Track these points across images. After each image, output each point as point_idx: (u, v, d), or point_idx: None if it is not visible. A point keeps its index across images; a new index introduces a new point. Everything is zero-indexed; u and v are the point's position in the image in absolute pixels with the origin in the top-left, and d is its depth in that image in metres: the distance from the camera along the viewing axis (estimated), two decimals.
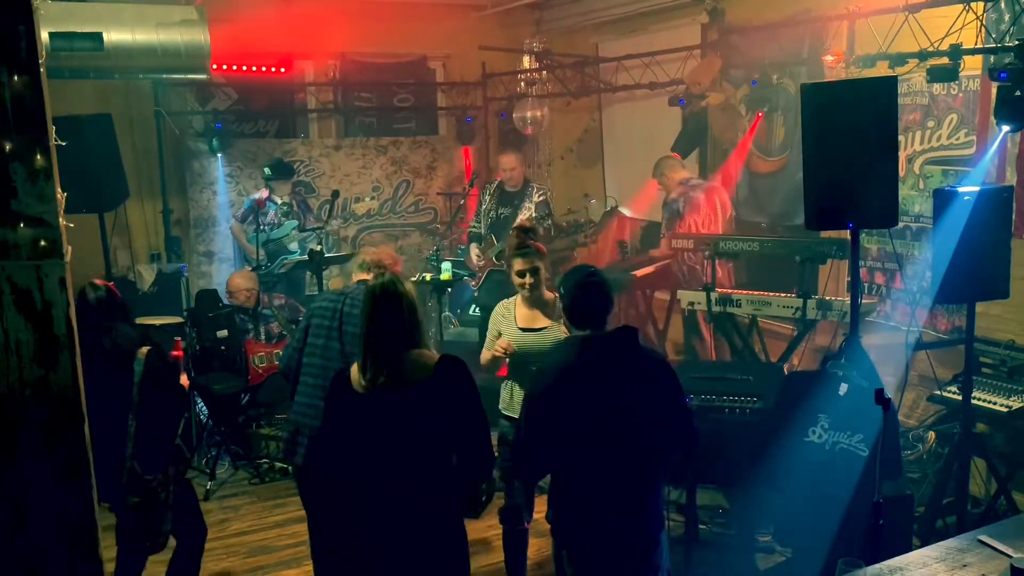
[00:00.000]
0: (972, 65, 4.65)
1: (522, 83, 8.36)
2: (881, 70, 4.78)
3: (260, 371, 5.97)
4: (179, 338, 4.63)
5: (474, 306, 7.35)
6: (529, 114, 7.95)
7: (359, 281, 3.90)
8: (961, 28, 4.41)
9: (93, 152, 5.45)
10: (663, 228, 6.30)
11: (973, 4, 4.40)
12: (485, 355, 3.98)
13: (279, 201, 7.20)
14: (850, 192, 3.77)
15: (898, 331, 5.00)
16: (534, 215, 6.45)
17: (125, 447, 3.51)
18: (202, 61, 5.68)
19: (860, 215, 3.84)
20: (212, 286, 7.20)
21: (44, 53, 2.11)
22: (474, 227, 6.99)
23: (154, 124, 7.52)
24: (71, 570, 2.16)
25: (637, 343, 2.98)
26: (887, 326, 5.37)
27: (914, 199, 5.29)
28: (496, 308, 4.04)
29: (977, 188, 3.93)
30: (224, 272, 7.64)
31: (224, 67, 7.11)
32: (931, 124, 5.18)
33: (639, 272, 6.45)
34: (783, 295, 5.05)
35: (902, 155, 5.14)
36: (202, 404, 6.00)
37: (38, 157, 2.02)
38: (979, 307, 4.19)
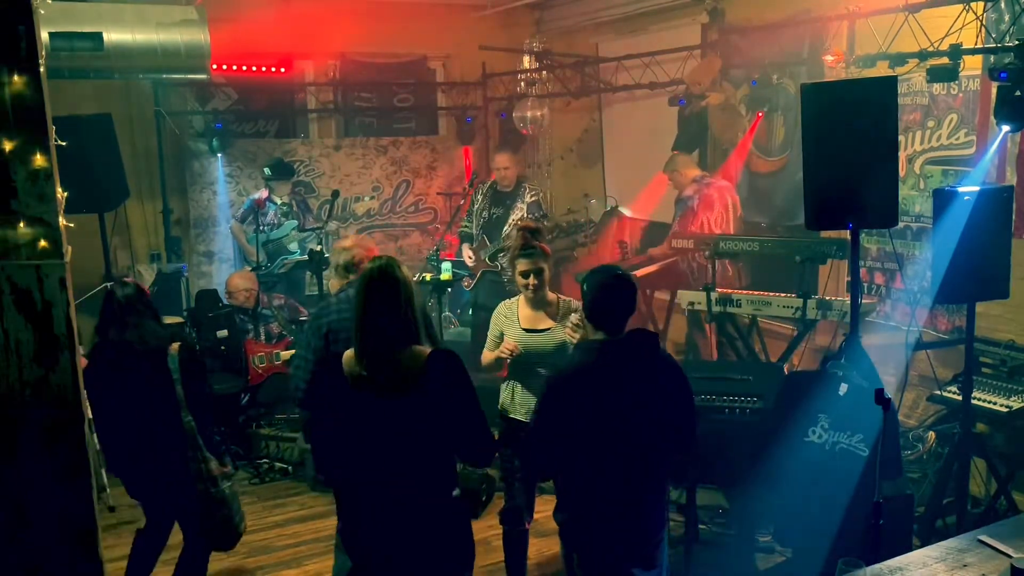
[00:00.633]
0: (972, 65, 4.65)
1: (522, 83, 8.36)
2: (881, 70, 4.78)
3: (260, 371, 5.98)
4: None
5: (471, 308, 7.34)
6: (529, 114, 7.95)
7: (344, 287, 3.82)
8: (961, 28, 4.41)
9: (93, 152, 5.45)
10: (674, 225, 6.29)
11: (973, 4, 4.40)
12: (487, 356, 3.96)
13: (279, 201, 7.20)
14: (850, 192, 3.77)
15: (898, 331, 5.00)
16: (525, 215, 6.43)
17: (185, 444, 3.60)
18: (202, 61, 5.68)
19: (860, 215, 3.84)
20: (212, 286, 7.21)
21: (44, 53, 2.11)
22: (465, 227, 6.97)
23: (154, 124, 7.52)
24: (71, 570, 2.16)
25: (656, 348, 3.02)
26: (887, 326, 5.37)
27: (914, 199, 5.29)
28: (498, 308, 4.03)
29: (977, 188, 3.93)
30: (224, 272, 7.64)
31: (224, 67, 7.11)
32: (931, 124, 5.18)
33: (640, 272, 6.44)
34: (783, 295, 5.05)
35: (902, 155, 5.14)
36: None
37: (38, 157, 2.02)
38: (979, 307, 4.19)
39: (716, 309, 5.09)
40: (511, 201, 6.63)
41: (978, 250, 3.86)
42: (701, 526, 4.45)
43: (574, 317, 3.74)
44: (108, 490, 4.96)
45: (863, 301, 4.51)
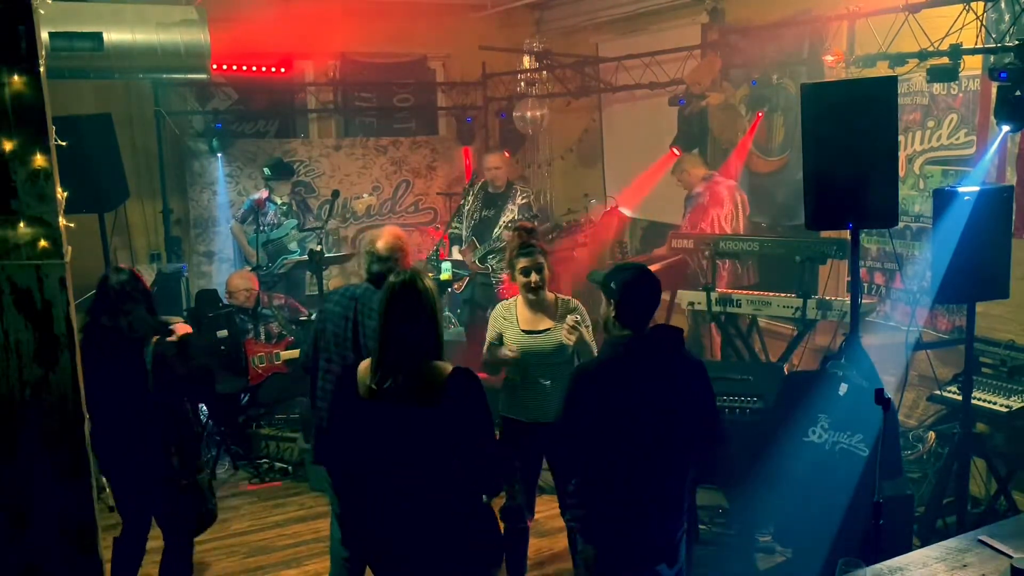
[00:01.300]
0: (972, 65, 4.65)
1: (522, 83, 8.35)
2: (881, 70, 4.78)
3: (260, 371, 5.98)
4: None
5: (467, 307, 7.32)
6: (529, 114, 7.95)
7: (370, 280, 3.75)
8: (961, 28, 4.40)
9: (93, 152, 5.44)
10: (684, 220, 6.28)
11: (973, 4, 4.40)
12: (487, 357, 3.96)
13: (279, 201, 7.20)
14: (850, 192, 3.77)
15: (898, 331, 5.00)
16: (516, 218, 6.42)
17: (159, 435, 3.59)
18: (202, 61, 5.68)
19: (860, 215, 3.84)
20: (212, 286, 7.21)
21: (44, 53, 2.11)
22: (455, 228, 6.95)
23: (154, 124, 7.51)
24: (71, 570, 2.16)
25: (681, 343, 3.03)
26: (887, 326, 5.37)
27: (914, 199, 5.29)
28: (496, 309, 4.03)
29: (977, 188, 3.93)
30: (224, 272, 7.64)
31: (224, 67, 7.10)
32: (931, 124, 5.18)
33: None
34: (783, 295, 5.05)
35: (902, 155, 5.14)
36: (202, 404, 5.99)
37: (38, 157, 2.02)
38: (979, 307, 4.19)
39: (716, 309, 5.09)
40: (502, 203, 6.63)
41: (978, 250, 3.86)
42: (701, 526, 4.44)
43: (570, 319, 3.73)
44: (108, 490, 4.95)
45: (863, 301, 4.51)
